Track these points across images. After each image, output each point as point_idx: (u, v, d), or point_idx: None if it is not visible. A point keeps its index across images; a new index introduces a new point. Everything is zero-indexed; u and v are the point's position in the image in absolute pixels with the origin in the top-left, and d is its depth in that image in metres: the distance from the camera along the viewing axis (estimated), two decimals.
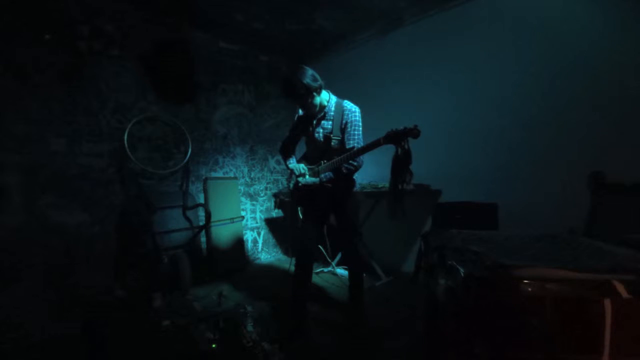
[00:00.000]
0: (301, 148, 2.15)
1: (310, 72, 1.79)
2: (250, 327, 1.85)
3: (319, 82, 1.80)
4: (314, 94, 1.80)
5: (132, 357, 1.80)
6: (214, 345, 1.74)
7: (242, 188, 3.66)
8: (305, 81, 1.75)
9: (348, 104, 1.91)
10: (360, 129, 1.91)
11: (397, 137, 1.55)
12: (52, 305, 2.26)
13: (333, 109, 1.92)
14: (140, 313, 2.31)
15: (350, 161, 1.82)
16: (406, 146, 1.56)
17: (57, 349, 1.94)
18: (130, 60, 2.75)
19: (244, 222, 3.62)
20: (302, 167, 1.99)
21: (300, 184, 2.00)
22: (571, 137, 2.22)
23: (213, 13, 2.94)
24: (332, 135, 1.89)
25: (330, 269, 3.18)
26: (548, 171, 2.31)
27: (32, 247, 2.22)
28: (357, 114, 1.90)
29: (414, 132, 1.51)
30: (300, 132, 2.08)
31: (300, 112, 2.03)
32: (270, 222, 3.95)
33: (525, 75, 2.40)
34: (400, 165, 1.59)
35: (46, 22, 2.32)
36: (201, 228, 2.87)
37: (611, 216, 2.00)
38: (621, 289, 0.83)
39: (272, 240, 3.97)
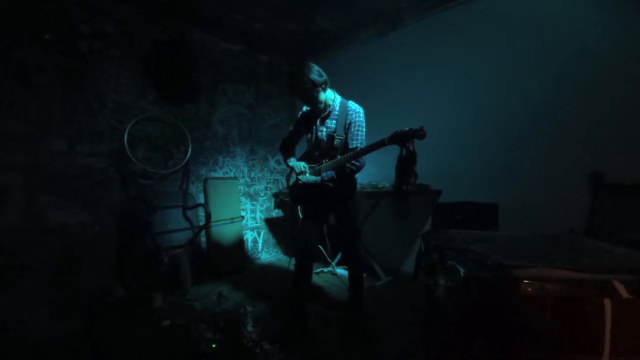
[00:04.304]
0: (300, 148, 2.15)
1: (315, 67, 1.80)
2: (250, 327, 1.85)
3: (324, 78, 1.82)
4: (319, 89, 1.81)
5: (132, 357, 1.80)
6: (214, 345, 1.74)
7: (242, 188, 3.66)
8: (311, 76, 1.76)
9: (352, 104, 1.92)
10: (364, 129, 1.91)
11: (402, 138, 1.53)
12: (52, 305, 2.26)
13: (337, 108, 1.92)
14: (140, 313, 2.31)
15: (353, 161, 1.82)
16: (411, 148, 1.54)
17: (57, 349, 1.94)
18: (131, 60, 2.75)
19: (244, 222, 3.62)
20: (302, 165, 1.98)
21: (300, 182, 2.00)
22: (571, 137, 2.22)
23: (213, 13, 2.94)
24: (335, 135, 1.89)
25: (330, 269, 3.18)
26: (548, 171, 2.31)
27: (32, 247, 2.22)
28: (361, 114, 1.91)
29: (419, 134, 1.49)
30: (303, 129, 2.08)
31: (304, 108, 2.04)
32: (270, 222, 3.95)
33: (525, 75, 2.40)
34: (405, 167, 1.58)
35: (46, 22, 2.32)
36: (201, 228, 2.87)
37: (611, 216, 2.00)
38: (621, 289, 0.83)
39: (272, 240, 3.97)
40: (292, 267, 2.11)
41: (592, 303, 0.86)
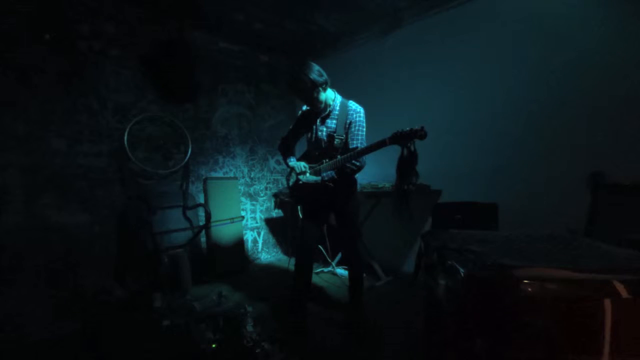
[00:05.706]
0: (299, 148, 2.14)
1: (316, 67, 1.80)
2: (250, 327, 1.85)
3: (324, 78, 1.81)
4: (320, 89, 1.81)
5: (132, 357, 1.80)
6: (214, 345, 1.74)
7: (242, 188, 3.66)
8: (311, 76, 1.76)
9: (353, 104, 1.92)
10: (364, 129, 1.91)
11: (403, 138, 1.54)
12: (52, 305, 2.26)
13: (338, 108, 1.92)
14: (140, 313, 2.31)
15: (353, 161, 1.82)
16: (412, 147, 1.55)
17: (57, 349, 1.94)
18: (130, 60, 2.75)
19: (244, 222, 3.62)
20: (302, 165, 1.98)
21: (300, 182, 2.00)
22: (571, 137, 2.22)
23: (213, 13, 2.94)
24: (335, 135, 1.89)
25: (330, 269, 3.18)
26: (548, 171, 2.31)
27: (32, 247, 2.22)
28: (361, 114, 1.91)
29: (420, 134, 1.50)
30: (303, 129, 2.08)
31: (304, 107, 2.04)
32: (270, 222, 3.95)
33: (525, 75, 2.40)
34: (406, 167, 1.59)
35: (46, 22, 2.32)
36: (201, 228, 2.87)
37: (611, 216, 2.00)
38: (621, 289, 0.83)
39: (272, 240, 3.97)
40: (292, 267, 2.11)
41: (592, 303, 0.85)
